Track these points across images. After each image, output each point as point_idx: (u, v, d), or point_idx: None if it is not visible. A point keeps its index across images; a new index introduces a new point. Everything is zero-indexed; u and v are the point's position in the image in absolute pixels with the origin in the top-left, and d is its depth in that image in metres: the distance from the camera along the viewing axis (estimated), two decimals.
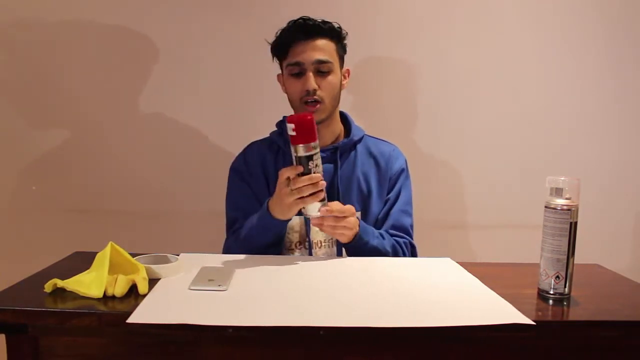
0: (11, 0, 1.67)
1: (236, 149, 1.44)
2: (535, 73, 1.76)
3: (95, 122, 1.71)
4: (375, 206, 1.34)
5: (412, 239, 1.35)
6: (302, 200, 1.11)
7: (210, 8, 1.68)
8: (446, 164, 1.78)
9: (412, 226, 1.37)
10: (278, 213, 1.17)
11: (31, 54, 1.69)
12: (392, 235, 1.32)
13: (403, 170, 1.39)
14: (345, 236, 1.18)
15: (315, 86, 1.26)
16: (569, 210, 0.92)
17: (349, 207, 1.18)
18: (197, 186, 1.75)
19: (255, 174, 1.35)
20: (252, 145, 1.41)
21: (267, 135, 1.41)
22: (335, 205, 1.16)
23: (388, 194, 1.36)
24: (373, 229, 1.27)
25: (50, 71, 1.69)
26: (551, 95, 1.77)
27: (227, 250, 1.31)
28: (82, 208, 1.72)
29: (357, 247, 1.21)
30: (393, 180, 1.37)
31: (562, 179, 0.93)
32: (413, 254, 1.34)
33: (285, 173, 1.12)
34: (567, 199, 0.93)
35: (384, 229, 1.33)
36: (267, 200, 1.20)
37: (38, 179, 1.73)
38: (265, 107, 1.71)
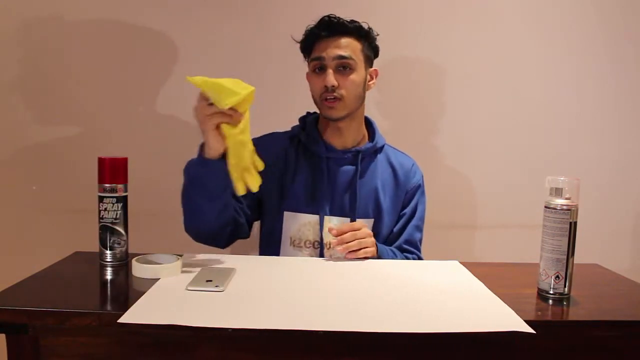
0: (20, 0, 1.67)
1: None
2: (535, 73, 1.76)
3: (95, 122, 1.71)
4: (387, 216, 1.33)
5: (420, 252, 1.36)
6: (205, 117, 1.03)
7: (214, 7, 1.68)
8: (446, 165, 1.78)
9: (421, 240, 1.37)
10: (204, 140, 1.08)
11: (31, 54, 1.69)
12: (403, 250, 1.32)
13: (420, 186, 1.39)
14: (370, 251, 1.17)
15: (335, 82, 1.24)
16: (568, 210, 0.92)
17: (357, 223, 1.20)
18: None
19: (267, 161, 1.21)
20: (274, 135, 1.38)
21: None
22: (345, 226, 1.17)
23: (404, 208, 1.36)
24: (386, 248, 1.27)
25: (52, 71, 1.69)
26: (551, 95, 1.77)
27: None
28: (82, 208, 1.71)
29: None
30: (409, 195, 1.36)
31: (562, 179, 0.93)
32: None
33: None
34: (567, 199, 0.93)
35: (397, 243, 1.33)
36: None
37: (38, 179, 1.73)
38: (268, 108, 1.71)
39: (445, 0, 1.72)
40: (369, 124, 1.39)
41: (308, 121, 1.36)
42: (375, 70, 1.35)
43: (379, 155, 1.36)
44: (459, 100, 1.76)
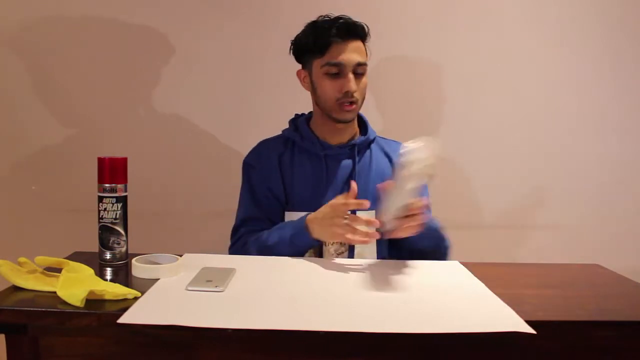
0: (20, 0, 1.67)
1: (239, 148, 1.44)
2: (535, 73, 1.76)
3: (95, 121, 1.72)
4: None
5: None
6: (348, 239, 1.12)
7: (215, 7, 1.68)
8: (446, 164, 1.78)
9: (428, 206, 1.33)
10: (318, 234, 1.16)
11: (31, 54, 1.69)
12: None
13: None
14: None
15: (356, 88, 1.26)
16: None
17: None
18: (198, 186, 1.75)
19: (270, 167, 1.33)
20: (266, 141, 1.39)
21: (274, 134, 1.40)
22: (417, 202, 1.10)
23: None
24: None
25: (51, 71, 1.69)
26: (551, 94, 1.77)
27: (241, 247, 1.29)
28: (82, 208, 1.71)
29: (428, 232, 1.18)
30: None
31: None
32: (443, 228, 1.32)
33: (344, 200, 1.12)
34: None
35: None
36: (306, 215, 1.19)
37: (38, 179, 1.73)
38: (268, 107, 1.71)
39: (445, 0, 1.73)
40: (360, 118, 1.41)
41: (300, 122, 1.37)
42: None
43: (372, 147, 1.39)
44: (459, 100, 1.76)
